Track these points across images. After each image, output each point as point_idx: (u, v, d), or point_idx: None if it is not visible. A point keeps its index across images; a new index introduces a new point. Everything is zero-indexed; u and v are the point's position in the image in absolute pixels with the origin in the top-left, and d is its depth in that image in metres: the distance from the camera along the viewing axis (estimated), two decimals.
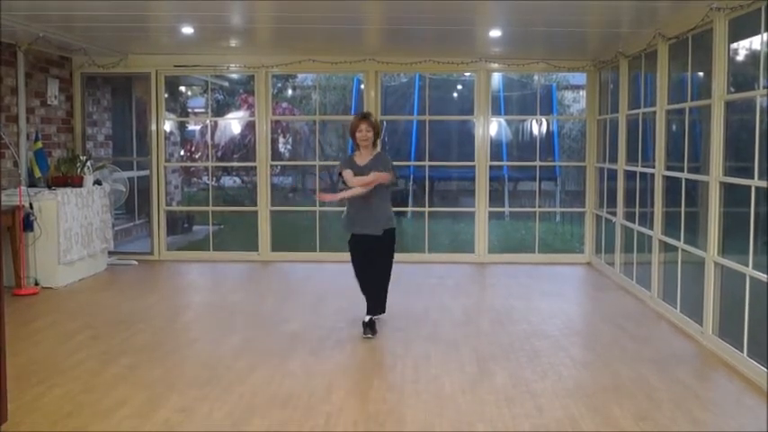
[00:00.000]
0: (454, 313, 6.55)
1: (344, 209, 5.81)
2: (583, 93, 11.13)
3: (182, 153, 13.69)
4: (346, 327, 6.03)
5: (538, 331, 5.91)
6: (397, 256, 9.24)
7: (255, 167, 9.26)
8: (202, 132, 14.24)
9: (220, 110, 15.47)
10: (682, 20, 5.92)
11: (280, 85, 16.48)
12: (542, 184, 13.02)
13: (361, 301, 7.05)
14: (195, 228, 11.51)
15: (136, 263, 8.84)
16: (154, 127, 9.14)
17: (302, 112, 16.26)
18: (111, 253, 8.68)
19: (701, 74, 6.13)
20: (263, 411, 4.16)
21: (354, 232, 5.85)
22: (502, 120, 14.58)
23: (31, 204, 7.16)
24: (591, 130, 9.15)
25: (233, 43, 8.35)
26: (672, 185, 6.41)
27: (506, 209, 13.67)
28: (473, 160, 9.25)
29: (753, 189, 4.85)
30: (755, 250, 4.87)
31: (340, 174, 5.81)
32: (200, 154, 13.98)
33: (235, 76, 13.43)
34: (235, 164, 14.43)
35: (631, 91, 7.63)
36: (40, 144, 7.86)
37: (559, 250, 10.72)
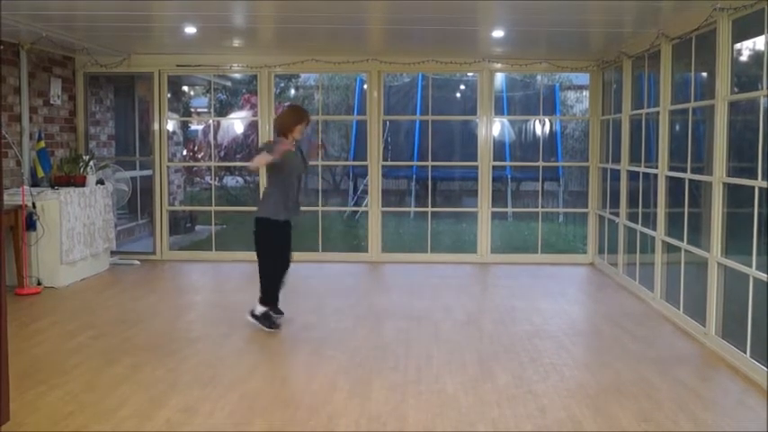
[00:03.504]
0: (456, 313, 6.53)
1: (267, 194, 5.85)
2: (586, 93, 11.14)
3: (184, 153, 13.68)
4: (348, 327, 6.02)
5: (540, 331, 5.90)
6: (398, 256, 9.40)
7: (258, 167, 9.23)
8: (205, 132, 14.23)
9: (223, 110, 15.47)
10: (685, 20, 5.90)
11: (282, 84, 16.48)
12: (545, 184, 13.04)
13: (362, 300, 7.09)
14: (198, 228, 11.50)
15: (138, 263, 8.83)
16: (156, 126, 9.13)
17: None
18: (113, 253, 8.67)
19: (704, 74, 6.10)
20: (264, 411, 4.16)
21: (285, 218, 5.88)
22: (505, 120, 14.55)
23: (33, 204, 7.15)
24: (594, 131, 9.12)
25: (236, 43, 8.34)
26: (675, 186, 6.38)
27: (509, 209, 13.64)
28: (476, 160, 9.23)
29: (756, 190, 4.83)
30: (758, 251, 4.85)
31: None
32: (202, 154, 13.97)
33: (237, 75, 13.44)
34: (237, 164, 14.41)
35: (634, 91, 7.61)
36: (42, 143, 7.85)
37: (562, 251, 10.69)
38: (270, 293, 5.83)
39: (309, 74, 14.91)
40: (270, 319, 5.73)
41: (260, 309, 5.77)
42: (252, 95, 13.40)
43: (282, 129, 5.91)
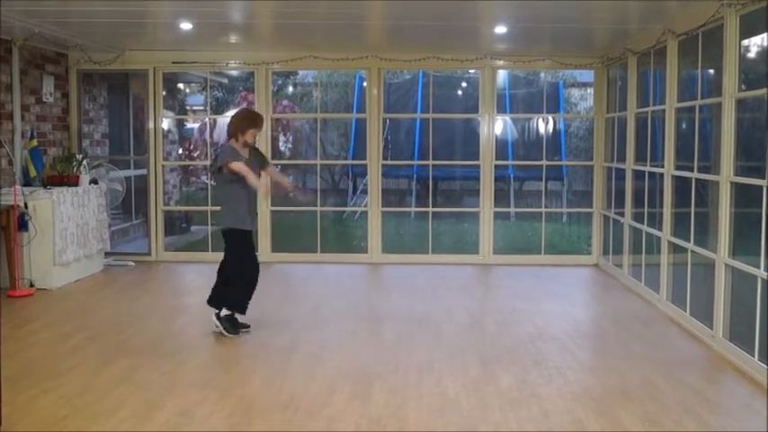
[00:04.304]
0: (458, 315, 6.47)
1: (229, 204, 5.63)
2: (590, 90, 11.06)
3: (180, 151, 13.58)
4: (348, 328, 5.97)
5: (544, 334, 5.84)
6: (399, 257, 9.33)
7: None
8: (201, 130, 14.16)
9: (219, 107, 15.37)
10: (692, 16, 5.85)
11: (280, 82, 16.39)
12: (549, 183, 12.93)
13: (362, 301, 7.04)
14: (193, 228, 11.41)
15: (133, 264, 8.75)
16: (151, 125, 9.05)
17: (303, 110, 16.18)
18: (107, 254, 8.59)
19: (711, 71, 6.06)
20: (263, 414, 4.13)
21: (249, 228, 5.72)
22: (507, 118, 14.46)
23: (25, 204, 7.07)
24: (598, 129, 9.05)
25: (232, 39, 8.28)
26: (681, 185, 6.34)
27: (512, 209, 13.55)
28: (478, 159, 9.16)
29: (764, 189, 4.77)
30: (767, 252, 4.79)
31: (222, 166, 5.54)
32: (198, 152, 13.89)
33: (234, 72, 13.34)
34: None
35: (640, 88, 7.55)
36: (35, 142, 7.78)
37: (566, 251, 10.61)
38: (239, 301, 5.65)
39: (308, 71, 14.81)
40: (236, 325, 5.60)
41: (225, 312, 5.64)
42: (249, 93, 13.31)
43: (235, 131, 5.63)
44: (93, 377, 4.68)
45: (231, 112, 15.42)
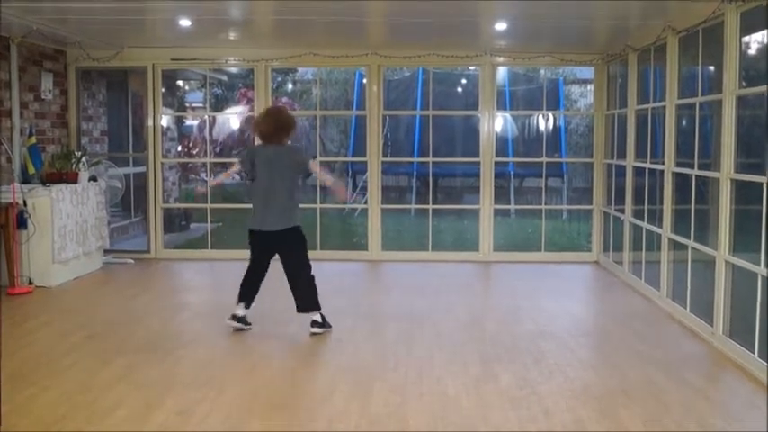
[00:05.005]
0: (458, 313, 6.45)
1: (296, 203, 5.88)
2: (590, 87, 11.06)
3: (179, 149, 13.55)
4: (348, 327, 5.94)
5: (544, 332, 5.82)
6: (399, 255, 9.32)
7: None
8: (200, 128, 14.12)
9: (219, 104, 15.36)
10: (692, 12, 5.82)
11: (280, 79, 16.38)
12: (549, 180, 12.94)
13: (362, 299, 7.02)
14: (193, 225, 11.39)
15: (132, 261, 8.73)
16: (151, 122, 9.01)
17: (303, 107, 16.15)
18: (106, 251, 8.56)
19: (711, 68, 6.04)
20: (262, 414, 4.10)
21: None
22: (507, 115, 14.45)
23: (24, 201, 7.05)
24: (599, 126, 9.02)
25: (232, 36, 8.24)
26: (682, 182, 6.32)
27: (512, 206, 13.53)
28: (478, 156, 9.13)
29: (765, 186, 4.75)
30: (767, 249, 4.76)
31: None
32: (198, 150, 13.85)
33: (233, 70, 13.30)
34: (234, 160, 14.25)
35: (640, 85, 7.53)
36: (33, 139, 7.74)
37: (566, 248, 10.58)
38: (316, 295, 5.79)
39: (307, 68, 14.79)
40: (325, 319, 5.74)
41: (318, 315, 5.71)
42: (248, 90, 13.28)
43: (289, 132, 5.82)
44: (93, 375, 4.66)
45: (230, 110, 15.47)
